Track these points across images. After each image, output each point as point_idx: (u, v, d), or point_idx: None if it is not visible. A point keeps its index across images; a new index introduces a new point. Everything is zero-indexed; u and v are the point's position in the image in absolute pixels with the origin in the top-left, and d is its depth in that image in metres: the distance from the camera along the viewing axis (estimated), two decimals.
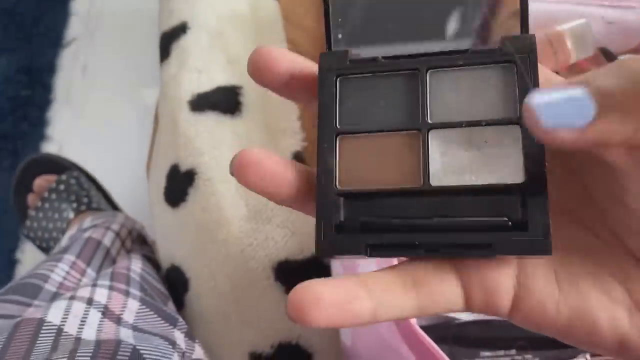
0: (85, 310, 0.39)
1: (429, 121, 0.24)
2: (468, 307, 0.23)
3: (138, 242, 0.64)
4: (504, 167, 0.22)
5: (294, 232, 0.49)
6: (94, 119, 1.23)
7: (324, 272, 0.48)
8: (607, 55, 0.52)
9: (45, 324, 0.35)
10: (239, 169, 0.22)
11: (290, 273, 0.48)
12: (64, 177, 0.86)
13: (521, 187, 0.22)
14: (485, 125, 0.23)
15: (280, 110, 0.53)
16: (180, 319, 0.45)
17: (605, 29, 0.52)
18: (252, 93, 0.55)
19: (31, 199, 0.87)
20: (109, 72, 1.29)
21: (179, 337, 0.42)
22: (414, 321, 0.39)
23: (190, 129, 0.52)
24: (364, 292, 0.21)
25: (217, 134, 0.52)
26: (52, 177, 0.87)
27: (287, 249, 0.49)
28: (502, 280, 0.22)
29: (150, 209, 0.57)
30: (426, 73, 0.24)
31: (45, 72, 1.28)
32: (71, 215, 0.83)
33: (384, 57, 0.25)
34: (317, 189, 0.23)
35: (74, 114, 1.25)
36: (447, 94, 0.24)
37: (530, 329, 0.23)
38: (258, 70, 0.23)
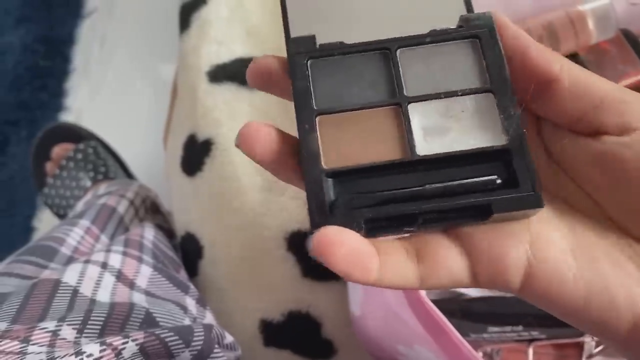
0: (100, 274, 0.39)
1: (407, 95, 0.24)
2: (475, 282, 0.22)
3: (151, 210, 0.65)
4: (485, 133, 0.23)
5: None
6: (111, 91, 1.24)
7: None
8: (628, 37, 0.52)
9: (62, 284, 0.36)
10: (242, 141, 0.23)
11: (302, 244, 0.49)
12: (82, 146, 0.87)
13: (504, 148, 0.23)
14: (461, 95, 0.24)
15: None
16: (192, 286, 0.46)
17: (628, 10, 0.52)
18: None
19: (49, 166, 0.88)
20: (127, 45, 1.29)
21: (190, 303, 0.43)
22: (423, 293, 0.39)
23: (209, 99, 0.53)
24: (375, 252, 0.21)
25: (234, 106, 0.53)
26: (70, 146, 0.88)
27: (300, 220, 0.49)
28: (513, 252, 0.22)
29: (167, 178, 0.58)
30: (396, 51, 0.25)
31: (64, 43, 1.29)
32: (88, 183, 0.84)
33: (350, 43, 0.25)
34: (303, 172, 0.23)
35: (92, 85, 1.26)
36: (419, 69, 0.25)
37: (542, 306, 0.23)
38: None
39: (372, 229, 0.22)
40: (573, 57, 0.50)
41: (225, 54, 0.55)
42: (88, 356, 0.29)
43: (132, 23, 1.32)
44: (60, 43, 1.30)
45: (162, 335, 0.34)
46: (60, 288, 0.36)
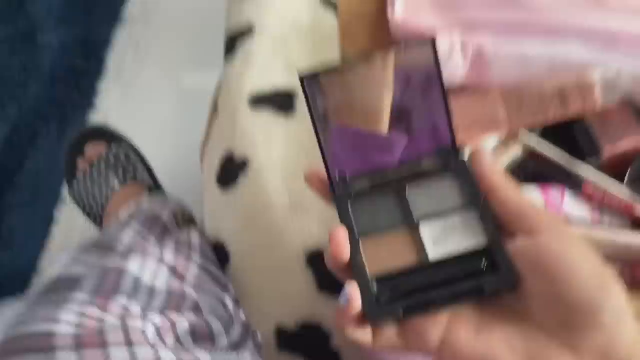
0: (156, 267, 0.45)
1: (416, 218, 0.36)
2: (407, 346, 0.32)
3: (188, 220, 0.71)
4: (472, 237, 0.34)
5: (328, 226, 0.55)
6: (140, 95, 1.27)
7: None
8: (632, 106, 0.57)
9: (126, 272, 0.42)
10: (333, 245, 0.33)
11: (320, 262, 0.54)
12: (114, 148, 0.92)
13: (486, 247, 0.33)
14: (452, 213, 0.35)
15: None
16: (231, 286, 0.51)
17: (636, 82, 0.57)
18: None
19: (81, 163, 0.93)
20: (159, 53, 1.34)
21: (228, 301, 0.49)
22: None
23: (248, 123, 0.59)
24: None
25: (271, 131, 0.58)
26: (103, 146, 0.93)
27: (319, 239, 0.55)
28: (434, 328, 0.32)
29: (202, 189, 0.63)
30: (405, 188, 0.37)
31: (100, 46, 1.33)
32: (116, 184, 0.89)
33: (373, 184, 0.37)
34: (356, 279, 0.33)
35: (122, 88, 1.29)
36: (421, 198, 0.37)
37: None
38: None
39: (407, 313, 0.32)
40: (579, 119, 0.56)
41: (266, 83, 0.61)
42: (151, 322, 0.36)
43: (166, 32, 1.37)
44: (97, 46, 1.34)
45: (209, 320, 0.40)
46: (126, 276, 0.42)
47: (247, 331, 0.46)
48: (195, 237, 0.56)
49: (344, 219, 0.35)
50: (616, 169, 0.58)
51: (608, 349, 0.29)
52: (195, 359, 0.36)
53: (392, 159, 0.38)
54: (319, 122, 0.37)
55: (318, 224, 0.55)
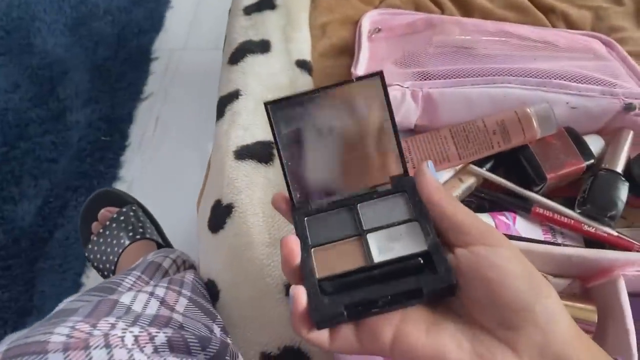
0: (147, 299, 0.52)
1: (365, 229, 0.39)
2: (363, 347, 0.35)
3: (188, 267, 0.77)
4: (415, 245, 0.37)
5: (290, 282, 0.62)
6: (161, 165, 1.36)
7: None
8: (571, 134, 0.63)
9: (119, 303, 0.49)
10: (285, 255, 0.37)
11: None
12: (124, 209, 0.99)
13: (426, 252, 0.36)
14: (397, 225, 0.38)
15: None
16: (219, 317, 0.57)
17: (571, 113, 0.63)
18: None
19: (94, 226, 1.00)
20: (178, 125, 1.42)
21: (216, 329, 0.55)
22: None
23: (233, 172, 0.67)
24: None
25: (252, 178, 0.66)
26: (114, 209, 1.01)
27: None
28: (386, 328, 0.34)
29: (197, 236, 0.71)
30: (357, 205, 0.40)
31: (123, 121, 1.44)
32: (127, 242, 0.95)
33: (329, 203, 0.41)
34: (304, 282, 0.35)
35: (144, 159, 1.37)
36: (372, 213, 0.40)
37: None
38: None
39: (351, 313, 0.34)
40: (522, 148, 0.62)
41: (249, 138, 0.70)
42: (132, 333, 0.42)
43: (183, 105, 1.47)
44: (120, 121, 1.44)
45: (186, 336, 0.46)
46: (118, 305, 0.49)
47: (226, 348, 0.52)
48: (189, 276, 0.63)
49: (298, 229, 0.39)
50: (561, 192, 0.64)
51: (543, 346, 0.31)
52: None
53: (349, 184, 0.42)
54: (282, 146, 0.41)
55: None
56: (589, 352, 0.32)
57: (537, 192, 0.61)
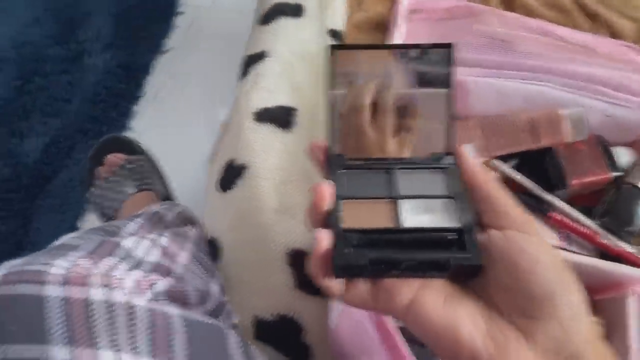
0: (150, 246, 0.50)
1: (399, 194, 0.38)
2: (376, 304, 0.34)
3: (191, 222, 0.76)
4: (447, 220, 0.36)
5: (311, 230, 0.60)
6: (173, 121, 1.34)
7: None
8: (600, 143, 0.61)
9: (121, 246, 0.48)
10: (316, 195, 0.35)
11: (299, 261, 0.60)
12: (134, 158, 0.99)
13: (459, 228, 0.35)
14: (433, 198, 0.38)
15: (320, 134, 0.66)
16: (218, 274, 0.56)
17: (604, 121, 0.61)
18: (304, 116, 0.67)
19: (101, 170, 0.99)
20: (195, 83, 1.40)
21: (214, 285, 0.54)
22: (389, 320, 0.49)
23: (251, 134, 0.65)
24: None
25: (269, 142, 0.65)
26: (123, 156, 1.00)
27: (301, 242, 0.60)
28: (404, 290, 0.34)
29: (205, 193, 0.70)
30: (395, 170, 0.40)
31: (140, 72, 1.42)
32: (132, 190, 0.94)
33: (366, 161, 0.40)
34: (331, 228, 0.35)
35: (157, 112, 1.36)
36: (409, 181, 0.39)
37: (414, 331, 0.34)
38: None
39: (373, 269, 0.34)
40: (549, 150, 0.60)
41: (271, 101, 0.68)
42: (131, 277, 0.41)
43: (202, 64, 1.45)
44: (137, 71, 1.42)
45: (185, 288, 0.45)
46: (120, 247, 0.47)
47: (223, 306, 0.51)
48: (192, 231, 0.61)
49: (331, 180, 0.38)
50: (582, 200, 0.62)
51: (561, 341, 0.30)
52: (164, 312, 0.41)
53: (391, 148, 0.41)
54: (333, 95, 0.40)
55: (302, 229, 0.61)
56: (604, 358, 0.31)
57: (557, 197, 0.60)
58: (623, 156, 0.62)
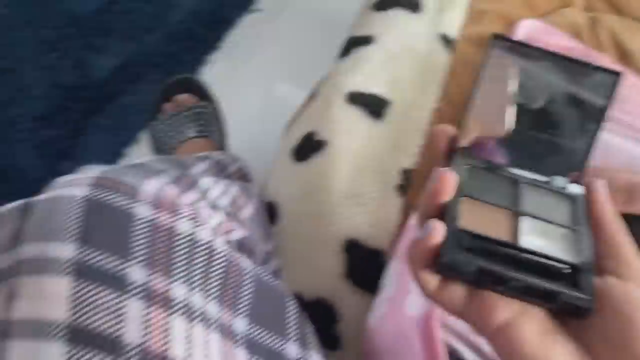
0: (223, 191, 0.50)
1: (522, 210, 0.36)
2: (467, 312, 0.33)
3: (246, 179, 0.75)
4: (566, 252, 0.34)
5: (373, 225, 0.59)
6: (243, 81, 1.33)
7: (382, 262, 0.57)
8: None
9: (198, 184, 0.46)
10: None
11: (354, 251, 0.58)
12: (203, 103, 0.99)
13: (577, 266, 0.33)
14: (556, 225, 0.36)
15: (409, 132, 0.64)
16: (272, 238, 0.55)
17: None
18: (397, 111, 0.66)
19: (168, 106, 1.00)
20: (275, 49, 1.40)
21: (269, 248, 0.53)
22: (437, 326, 0.47)
23: (340, 113, 0.64)
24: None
25: (357, 125, 0.63)
26: (193, 99, 1.00)
27: (362, 233, 0.59)
28: (503, 309, 0.32)
29: (273, 156, 0.69)
30: (521, 184, 0.38)
31: (224, 23, 1.41)
32: (192, 134, 0.94)
33: (493, 165, 0.39)
34: (446, 224, 0.33)
35: (229, 68, 1.35)
36: (533, 200, 0.38)
37: (499, 353, 0.32)
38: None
39: (478, 278, 0.32)
40: (635, 218, 0.57)
41: (368, 86, 0.67)
42: (214, 219, 0.40)
43: (288, 32, 1.44)
44: (221, 22, 1.42)
45: (255, 244, 0.45)
46: (197, 186, 0.46)
47: (275, 273, 0.50)
48: (254, 188, 0.61)
49: (459, 177, 0.36)
50: None
51: None
52: (238, 263, 0.40)
53: (523, 159, 0.40)
54: (481, 87, 0.39)
55: (366, 220, 0.59)
56: None
57: None
58: None
